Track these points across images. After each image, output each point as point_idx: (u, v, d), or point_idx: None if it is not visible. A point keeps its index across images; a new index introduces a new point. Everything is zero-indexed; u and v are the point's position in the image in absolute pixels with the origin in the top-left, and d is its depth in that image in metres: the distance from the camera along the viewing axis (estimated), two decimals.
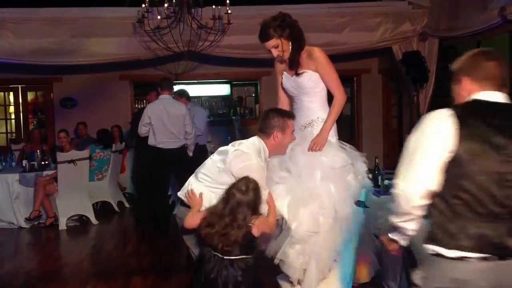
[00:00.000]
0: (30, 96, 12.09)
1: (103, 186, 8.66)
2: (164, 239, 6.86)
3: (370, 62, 11.59)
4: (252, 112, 13.20)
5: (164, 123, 7.14)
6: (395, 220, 2.36)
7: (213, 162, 3.63)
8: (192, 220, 3.41)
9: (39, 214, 7.90)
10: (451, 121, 2.18)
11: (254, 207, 3.23)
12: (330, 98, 4.10)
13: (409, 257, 4.01)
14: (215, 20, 8.03)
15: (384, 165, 9.95)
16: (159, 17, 8.05)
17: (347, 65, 10.89)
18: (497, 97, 2.29)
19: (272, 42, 3.82)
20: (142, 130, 7.25)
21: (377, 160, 5.11)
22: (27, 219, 7.85)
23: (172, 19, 7.99)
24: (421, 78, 8.76)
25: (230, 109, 13.44)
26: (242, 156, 3.48)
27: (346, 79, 12.06)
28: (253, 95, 13.59)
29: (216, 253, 3.20)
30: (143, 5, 7.81)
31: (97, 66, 9.92)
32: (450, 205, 2.20)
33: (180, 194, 3.68)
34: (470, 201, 2.16)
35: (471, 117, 2.20)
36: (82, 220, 8.10)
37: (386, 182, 4.82)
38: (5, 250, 7.01)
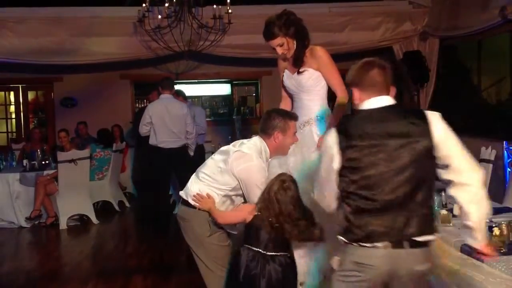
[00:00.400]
0: (31, 95, 12.09)
1: (103, 185, 8.66)
2: (165, 239, 6.86)
3: None
4: (252, 112, 13.19)
5: (165, 122, 7.14)
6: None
7: (214, 162, 3.62)
8: (229, 217, 3.47)
9: (39, 213, 7.90)
10: (335, 138, 2.57)
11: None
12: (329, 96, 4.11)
13: None
14: (216, 19, 8.03)
15: None
16: (159, 16, 8.05)
17: (347, 65, 10.66)
18: (381, 101, 2.61)
19: (277, 40, 3.81)
20: (143, 129, 7.25)
21: None
22: (28, 219, 7.84)
23: (172, 18, 7.99)
24: (421, 78, 8.75)
25: (230, 108, 13.43)
26: (243, 157, 3.47)
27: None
28: (254, 94, 13.59)
29: (257, 249, 3.21)
30: (144, 5, 7.80)
31: (98, 65, 9.92)
32: (348, 206, 2.55)
33: (182, 193, 3.67)
34: (362, 200, 2.50)
35: (350, 129, 2.57)
36: (82, 219, 8.10)
37: None
38: (6, 249, 7.02)
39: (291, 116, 3.64)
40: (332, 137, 2.59)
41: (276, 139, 3.54)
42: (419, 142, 2.48)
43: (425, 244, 2.50)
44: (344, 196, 2.57)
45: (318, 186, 2.74)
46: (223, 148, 3.72)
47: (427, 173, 2.52)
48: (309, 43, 3.93)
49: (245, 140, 3.65)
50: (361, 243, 2.50)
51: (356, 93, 2.69)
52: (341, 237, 2.59)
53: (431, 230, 2.52)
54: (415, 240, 2.47)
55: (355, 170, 2.51)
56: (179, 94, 8.16)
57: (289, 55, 3.93)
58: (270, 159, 3.66)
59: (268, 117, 3.62)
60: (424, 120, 2.54)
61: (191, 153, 7.44)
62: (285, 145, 3.59)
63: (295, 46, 3.87)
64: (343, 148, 2.53)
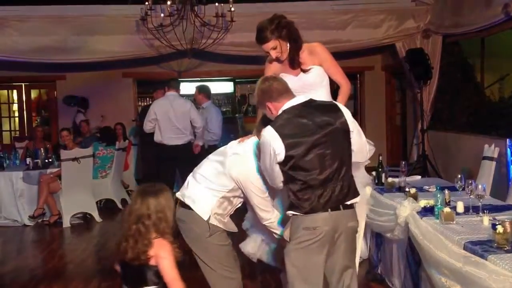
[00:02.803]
0: (34, 94, 12.12)
1: (106, 183, 8.67)
2: None
3: (374, 59, 11.56)
4: (255, 110, 13.19)
5: (170, 118, 7.18)
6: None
7: (210, 163, 3.59)
8: None
9: (43, 211, 7.91)
10: (272, 135, 3.04)
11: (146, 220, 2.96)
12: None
13: (413, 255, 4.01)
14: (218, 17, 8.03)
15: (388, 162, 9.94)
16: (162, 14, 8.05)
17: (350, 62, 10.86)
18: (295, 101, 3.18)
19: (271, 44, 3.79)
20: (147, 126, 7.29)
21: (380, 158, 5.09)
22: (31, 217, 7.86)
23: (175, 16, 7.99)
24: (424, 75, 8.74)
25: (233, 106, 13.45)
26: (241, 160, 3.46)
27: (349, 76, 11.93)
28: None
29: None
30: (146, 3, 7.81)
31: (100, 64, 9.92)
32: (296, 185, 3.05)
33: (179, 195, 3.63)
34: (306, 178, 3.02)
35: (283, 125, 3.08)
36: (85, 217, 8.12)
37: (389, 179, 4.82)
38: (9, 247, 7.04)
39: None
40: (271, 135, 3.06)
41: None
42: (337, 127, 3.10)
43: (352, 206, 3.14)
44: (289, 179, 3.08)
45: (266, 176, 3.23)
46: (220, 149, 3.72)
47: (346, 149, 3.14)
48: (302, 44, 3.91)
49: (242, 142, 3.63)
50: (308, 214, 3.03)
51: (271, 106, 3.21)
52: (291, 212, 3.10)
53: (356, 194, 3.16)
54: (346, 204, 3.09)
55: (293, 159, 3.02)
56: (201, 91, 8.16)
57: (283, 58, 3.90)
58: None
59: (263, 118, 3.62)
60: (337, 108, 3.20)
61: (200, 143, 7.52)
62: None
63: (288, 48, 3.86)
64: (282, 143, 3.01)
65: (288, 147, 3.01)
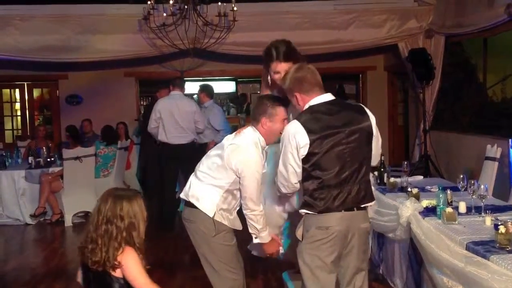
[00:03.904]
0: (36, 93, 12.12)
1: (108, 182, 8.64)
2: (170, 235, 6.86)
3: (376, 59, 11.54)
4: None
5: (174, 118, 7.21)
6: (283, 193, 3.31)
7: (209, 158, 3.59)
8: None
9: (44, 210, 7.93)
10: (298, 129, 3.03)
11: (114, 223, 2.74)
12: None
13: (415, 255, 4.01)
14: (221, 17, 8.04)
15: (390, 162, 9.93)
16: (164, 14, 8.06)
17: (352, 62, 10.87)
18: (323, 98, 3.14)
19: (286, 66, 3.50)
20: (152, 124, 7.33)
21: (382, 158, 5.07)
22: (33, 216, 7.88)
23: (177, 16, 8.00)
24: (427, 75, 8.72)
25: (235, 106, 13.44)
26: (238, 149, 3.44)
27: (351, 76, 12.02)
28: (258, 92, 13.58)
29: None
30: (149, 2, 7.82)
31: (103, 63, 9.92)
32: (313, 184, 3.05)
33: (182, 195, 3.63)
34: (325, 177, 3.02)
35: (310, 120, 3.06)
36: (87, 216, 8.10)
37: (392, 179, 4.81)
38: (11, 246, 7.05)
39: (280, 101, 3.53)
40: (297, 129, 3.04)
41: (264, 125, 3.48)
42: (362, 129, 3.11)
43: (365, 208, 3.16)
44: (307, 177, 3.07)
45: (283, 175, 3.15)
46: (218, 144, 3.72)
47: (367, 152, 3.16)
48: None
49: (239, 133, 3.60)
50: (322, 213, 3.04)
51: (299, 97, 3.16)
52: (304, 210, 3.11)
53: (372, 199, 3.20)
54: (360, 206, 3.11)
55: (315, 156, 3.02)
56: (204, 90, 8.17)
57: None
58: (267, 147, 3.62)
59: (256, 103, 3.60)
60: (364, 110, 3.19)
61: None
62: (273, 132, 3.50)
63: None
64: (306, 138, 3.00)
65: (312, 143, 3.01)
